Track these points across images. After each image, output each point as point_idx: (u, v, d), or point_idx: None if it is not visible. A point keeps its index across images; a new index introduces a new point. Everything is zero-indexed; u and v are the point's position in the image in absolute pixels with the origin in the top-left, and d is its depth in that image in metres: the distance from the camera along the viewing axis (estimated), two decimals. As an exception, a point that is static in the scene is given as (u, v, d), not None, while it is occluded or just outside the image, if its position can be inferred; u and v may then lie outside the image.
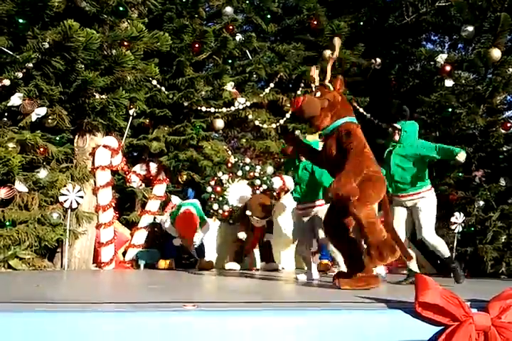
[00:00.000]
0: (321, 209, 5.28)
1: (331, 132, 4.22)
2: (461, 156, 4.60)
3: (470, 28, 7.50)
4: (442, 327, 2.71)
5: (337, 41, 4.68)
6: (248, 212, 6.84)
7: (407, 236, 5.23)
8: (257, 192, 7.56)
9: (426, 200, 4.90)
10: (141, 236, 7.46)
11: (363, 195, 3.89)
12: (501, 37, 7.36)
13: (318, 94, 4.34)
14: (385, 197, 4.21)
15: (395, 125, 5.04)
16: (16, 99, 5.97)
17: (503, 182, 7.13)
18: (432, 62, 8.05)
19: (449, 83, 7.54)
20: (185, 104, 7.88)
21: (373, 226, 3.89)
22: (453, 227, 6.97)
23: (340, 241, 4.30)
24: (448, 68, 7.52)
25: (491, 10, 7.49)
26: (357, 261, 4.06)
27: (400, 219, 4.96)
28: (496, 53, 7.16)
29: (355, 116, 4.44)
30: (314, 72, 4.57)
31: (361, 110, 9.17)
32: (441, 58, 7.62)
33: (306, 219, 5.53)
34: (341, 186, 3.80)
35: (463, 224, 6.93)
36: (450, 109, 7.50)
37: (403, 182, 4.94)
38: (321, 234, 5.18)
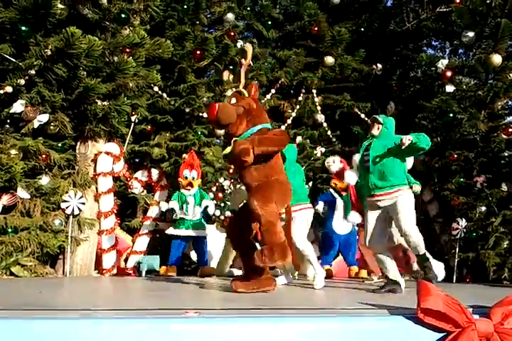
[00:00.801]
0: (296, 214, 5.18)
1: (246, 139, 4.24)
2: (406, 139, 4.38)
3: (471, 34, 7.52)
4: (444, 334, 2.70)
5: (248, 48, 4.60)
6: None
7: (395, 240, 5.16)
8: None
9: (404, 198, 4.50)
10: (142, 243, 7.45)
11: (267, 194, 4.04)
12: (502, 42, 7.38)
13: (234, 100, 4.34)
14: (288, 208, 4.49)
15: (379, 119, 4.66)
16: (18, 106, 5.99)
17: (504, 187, 7.13)
18: (432, 68, 8.07)
19: (450, 88, 7.55)
20: (187, 110, 7.90)
21: (272, 226, 3.95)
22: (455, 233, 6.96)
23: (243, 244, 4.39)
24: (449, 74, 7.53)
25: (491, 16, 7.51)
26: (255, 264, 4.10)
27: (373, 224, 4.61)
28: (497, 59, 7.17)
29: (269, 122, 4.49)
30: (228, 76, 4.68)
31: (362, 116, 9.19)
32: (442, 64, 7.64)
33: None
34: (239, 145, 4.06)
35: (465, 230, 6.92)
36: (451, 115, 7.51)
37: (381, 179, 4.53)
38: (297, 240, 5.10)
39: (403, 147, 4.37)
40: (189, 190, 7.06)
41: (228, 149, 4.35)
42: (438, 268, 5.00)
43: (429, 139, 4.50)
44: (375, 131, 4.65)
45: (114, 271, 6.80)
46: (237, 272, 6.87)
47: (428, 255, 4.62)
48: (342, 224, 7.04)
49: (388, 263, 4.59)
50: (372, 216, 4.61)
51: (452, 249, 7.05)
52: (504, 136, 7.22)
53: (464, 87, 7.83)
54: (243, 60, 4.65)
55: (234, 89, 4.57)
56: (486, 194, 7.12)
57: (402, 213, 4.44)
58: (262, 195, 4.03)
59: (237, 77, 4.60)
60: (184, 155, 7.48)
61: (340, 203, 7.06)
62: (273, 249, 3.86)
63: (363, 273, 7.12)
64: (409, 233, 4.41)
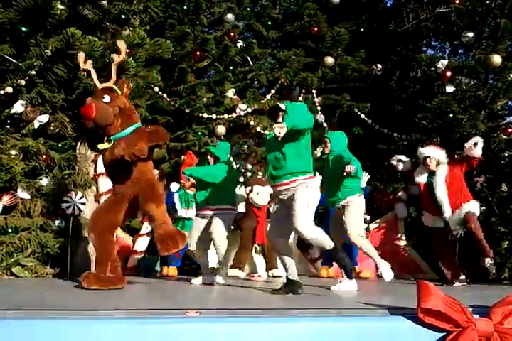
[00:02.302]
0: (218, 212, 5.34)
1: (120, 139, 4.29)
2: None
3: (470, 34, 7.52)
4: (445, 334, 2.70)
5: (121, 44, 4.63)
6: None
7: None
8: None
9: (301, 190, 4.14)
10: (143, 243, 7.45)
11: (156, 192, 4.38)
12: (501, 43, 7.39)
13: (108, 99, 4.29)
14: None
15: (280, 106, 4.28)
16: (18, 107, 6.00)
17: (504, 187, 7.14)
18: (432, 68, 8.08)
19: (449, 89, 7.55)
20: (187, 110, 7.91)
21: (163, 218, 4.30)
22: (455, 233, 6.95)
23: None
24: (449, 74, 7.54)
25: (491, 16, 7.52)
26: None
27: (275, 217, 4.46)
28: (497, 59, 7.18)
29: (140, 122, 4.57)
30: (82, 59, 4.62)
31: (362, 116, 9.19)
32: (442, 64, 7.64)
33: (204, 220, 5.49)
34: (132, 144, 4.15)
35: (465, 230, 6.92)
36: (451, 115, 7.51)
37: (277, 169, 4.24)
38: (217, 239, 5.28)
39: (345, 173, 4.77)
40: (193, 190, 7.07)
41: (105, 145, 4.35)
42: (386, 268, 4.92)
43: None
44: (280, 120, 4.29)
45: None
46: (238, 273, 6.87)
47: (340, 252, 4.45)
48: None
49: (288, 261, 4.33)
50: (276, 208, 4.49)
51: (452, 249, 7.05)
52: (504, 136, 7.22)
53: (464, 87, 7.83)
54: (115, 56, 4.64)
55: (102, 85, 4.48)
56: (486, 194, 7.13)
57: (294, 207, 4.10)
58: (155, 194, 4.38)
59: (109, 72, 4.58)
60: (183, 156, 7.48)
61: None
62: (165, 239, 4.17)
63: (368, 273, 7.12)
64: (302, 232, 4.11)
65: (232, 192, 5.72)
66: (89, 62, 4.73)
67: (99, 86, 4.51)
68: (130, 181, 4.39)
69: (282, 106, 4.24)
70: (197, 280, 5.45)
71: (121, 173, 4.40)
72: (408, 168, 6.86)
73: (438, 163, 6.21)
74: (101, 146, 4.40)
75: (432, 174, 6.25)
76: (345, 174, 4.87)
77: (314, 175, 4.40)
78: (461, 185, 6.18)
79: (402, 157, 6.86)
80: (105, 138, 4.41)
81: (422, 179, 6.36)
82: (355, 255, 7.24)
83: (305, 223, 4.07)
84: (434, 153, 6.25)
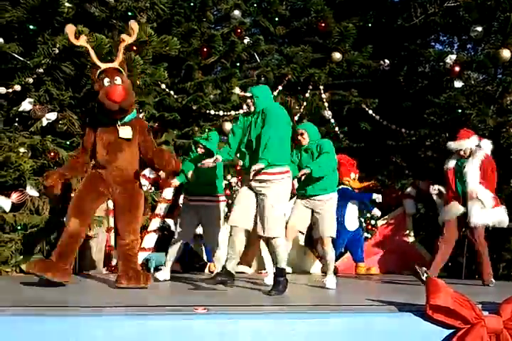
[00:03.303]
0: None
1: (129, 121, 4.39)
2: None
3: (479, 29, 7.47)
4: (454, 330, 2.70)
5: (135, 25, 4.61)
6: None
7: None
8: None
9: (272, 186, 4.02)
10: (150, 240, 7.47)
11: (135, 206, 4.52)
12: (511, 37, 7.32)
13: (119, 80, 4.25)
14: None
15: (249, 93, 4.23)
16: (26, 105, 6.02)
17: (514, 183, 7.09)
18: (441, 63, 8.02)
19: (458, 84, 7.50)
20: (194, 107, 7.90)
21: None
22: (463, 229, 6.91)
23: None
24: (457, 69, 7.48)
25: (500, 10, 7.45)
26: None
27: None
28: (506, 53, 7.12)
29: None
30: (72, 33, 4.47)
31: (370, 112, 9.15)
32: (451, 59, 7.59)
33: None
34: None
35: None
36: (460, 110, 7.47)
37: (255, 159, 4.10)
38: None
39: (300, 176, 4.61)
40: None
41: (126, 130, 4.33)
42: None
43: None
44: (252, 108, 4.19)
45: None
46: (246, 269, 6.88)
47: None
48: (353, 220, 7.10)
49: (235, 251, 4.14)
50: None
51: (461, 246, 7.02)
52: (513, 131, 7.17)
53: (473, 82, 7.80)
54: (125, 36, 4.58)
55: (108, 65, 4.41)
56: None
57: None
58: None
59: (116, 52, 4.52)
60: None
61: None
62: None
63: (373, 269, 7.12)
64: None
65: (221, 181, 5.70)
66: (84, 37, 4.62)
67: (103, 65, 4.43)
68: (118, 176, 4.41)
69: (248, 94, 4.24)
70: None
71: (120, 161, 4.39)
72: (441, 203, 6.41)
73: (472, 152, 5.84)
74: (124, 134, 4.36)
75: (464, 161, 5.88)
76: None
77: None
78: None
79: (442, 188, 6.26)
80: (117, 123, 4.39)
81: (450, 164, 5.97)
82: (361, 251, 7.25)
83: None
84: (467, 144, 5.86)
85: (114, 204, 4.60)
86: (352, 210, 7.18)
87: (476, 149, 5.85)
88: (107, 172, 4.44)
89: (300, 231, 5.41)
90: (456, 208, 5.82)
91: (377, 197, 7.17)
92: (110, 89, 4.18)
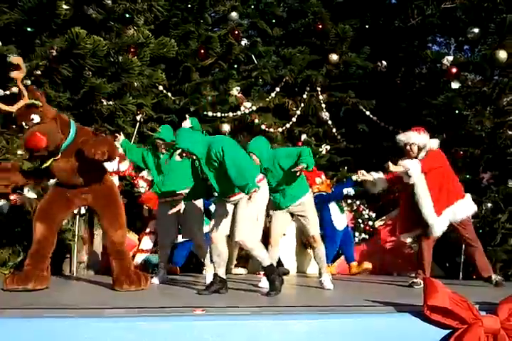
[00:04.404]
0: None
1: (67, 147, 4.07)
2: None
3: (476, 30, 7.49)
4: (451, 330, 2.71)
5: (16, 59, 4.06)
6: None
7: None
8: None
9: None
10: (149, 242, 7.47)
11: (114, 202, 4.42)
12: (507, 38, 7.34)
13: (38, 118, 3.88)
14: None
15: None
16: (24, 107, 6.01)
17: (511, 183, 7.10)
18: (438, 64, 8.06)
19: (455, 85, 7.52)
20: (192, 109, 7.91)
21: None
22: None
23: None
24: (454, 70, 7.51)
25: (496, 11, 7.48)
26: None
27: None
28: (503, 55, 7.14)
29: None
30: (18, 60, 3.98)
31: (367, 113, 9.18)
32: (447, 60, 7.62)
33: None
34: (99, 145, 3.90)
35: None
36: (457, 111, 7.49)
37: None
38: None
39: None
40: None
41: (50, 161, 4.04)
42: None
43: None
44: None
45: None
46: (242, 270, 6.89)
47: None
48: (340, 219, 7.14)
49: (223, 258, 4.19)
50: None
51: (459, 246, 7.03)
52: (510, 132, 7.19)
53: (470, 83, 7.81)
54: (15, 73, 4.00)
55: (21, 105, 3.93)
56: (492, 190, 7.11)
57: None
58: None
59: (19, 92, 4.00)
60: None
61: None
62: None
63: (365, 264, 7.14)
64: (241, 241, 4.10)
65: None
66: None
67: (13, 108, 3.99)
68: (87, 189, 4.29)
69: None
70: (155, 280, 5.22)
71: (79, 177, 4.21)
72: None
73: (420, 149, 5.27)
74: (48, 163, 4.11)
75: None
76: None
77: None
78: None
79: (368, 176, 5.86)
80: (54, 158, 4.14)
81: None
82: (352, 251, 7.28)
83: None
84: (415, 139, 5.29)
85: (93, 208, 4.53)
86: (335, 210, 7.23)
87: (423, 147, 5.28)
88: (71, 189, 4.32)
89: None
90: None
91: (349, 192, 7.18)
92: (27, 139, 3.92)
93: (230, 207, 4.24)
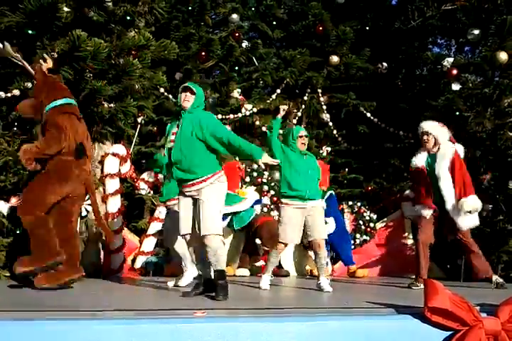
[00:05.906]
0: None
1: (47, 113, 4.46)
2: None
3: (476, 31, 7.50)
4: (452, 332, 2.70)
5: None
6: (258, 241, 6.87)
7: None
8: (265, 198, 7.56)
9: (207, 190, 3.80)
10: (150, 244, 7.48)
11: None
12: (508, 40, 7.35)
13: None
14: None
15: (192, 87, 4.00)
16: (25, 109, 6.03)
17: (511, 185, 7.10)
18: (438, 66, 8.06)
19: (456, 86, 7.54)
20: (193, 111, 7.92)
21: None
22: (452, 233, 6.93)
23: None
24: (455, 72, 7.52)
25: (497, 13, 7.50)
26: None
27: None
28: (503, 56, 7.16)
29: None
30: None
31: (368, 115, 9.18)
32: (448, 62, 7.63)
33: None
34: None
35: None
36: (457, 113, 7.49)
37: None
38: None
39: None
40: None
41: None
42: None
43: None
44: (185, 103, 3.90)
45: (122, 272, 6.83)
46: (245, 272, 6.89)
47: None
48: (328, 221, 7.11)
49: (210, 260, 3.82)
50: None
51: (459, 248, 7.03)
52: (511, 134, 7.20)
53: (470, 84, 7.81)
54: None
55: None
56: (493, 192, 7.10)
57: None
58: None
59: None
60: None
61: None
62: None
63: (359, 272, 7.10)
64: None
65: None
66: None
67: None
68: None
69: (193, 88, 3.96)
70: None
71: None
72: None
73: (435, 143, 5.25)
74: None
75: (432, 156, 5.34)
76: None
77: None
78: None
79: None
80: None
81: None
82: (350, 254, 7.25)
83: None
84: (436, 131, 5.27)
85: None
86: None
87: (441, 141, 5.29)
88: None
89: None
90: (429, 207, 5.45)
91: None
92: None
93: (189, 203, 3.89)
